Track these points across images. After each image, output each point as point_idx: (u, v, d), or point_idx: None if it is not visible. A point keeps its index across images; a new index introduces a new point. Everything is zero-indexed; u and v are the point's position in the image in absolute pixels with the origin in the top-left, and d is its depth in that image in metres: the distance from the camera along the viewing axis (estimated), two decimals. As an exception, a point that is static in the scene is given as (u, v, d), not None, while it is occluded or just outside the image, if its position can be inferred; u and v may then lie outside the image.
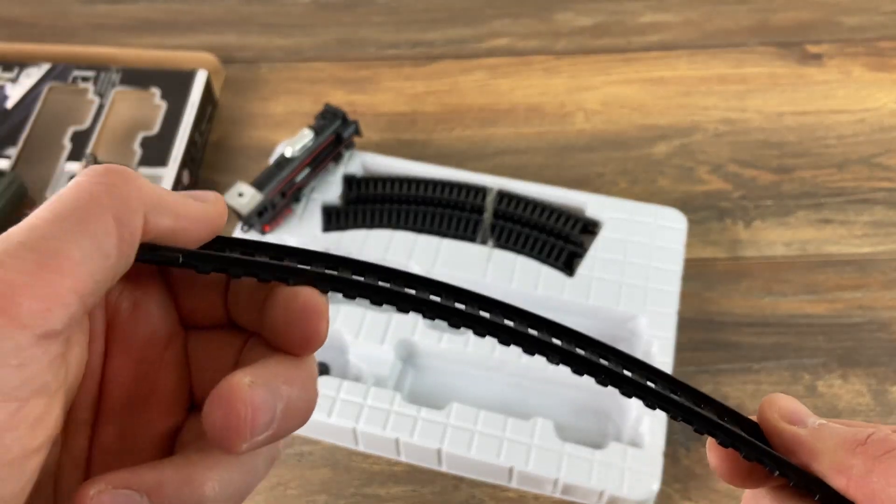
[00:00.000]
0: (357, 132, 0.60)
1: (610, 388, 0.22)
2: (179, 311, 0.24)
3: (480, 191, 0.57)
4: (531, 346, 0.22)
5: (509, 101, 0.67)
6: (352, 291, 0.22)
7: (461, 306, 0.22)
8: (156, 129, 0.62)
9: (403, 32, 0.72)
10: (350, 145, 0.59)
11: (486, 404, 0.48)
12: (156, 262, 0.21)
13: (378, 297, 0.22)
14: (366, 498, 0.48)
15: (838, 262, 0.57)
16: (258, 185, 0.54)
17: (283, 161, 0.56)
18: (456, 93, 0.67)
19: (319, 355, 0.48)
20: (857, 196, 0.60)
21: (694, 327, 0.54)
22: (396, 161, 0.59)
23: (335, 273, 0.22)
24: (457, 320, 0.22)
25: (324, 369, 0.51)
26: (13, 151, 0.60)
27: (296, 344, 0.21)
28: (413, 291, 0.22)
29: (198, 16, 0.74)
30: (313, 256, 0.22)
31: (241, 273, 0.22)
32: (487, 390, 0.51)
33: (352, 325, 0.51)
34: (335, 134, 0.58)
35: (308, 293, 0.21)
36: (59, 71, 0.65)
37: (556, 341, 0.23)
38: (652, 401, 0.22)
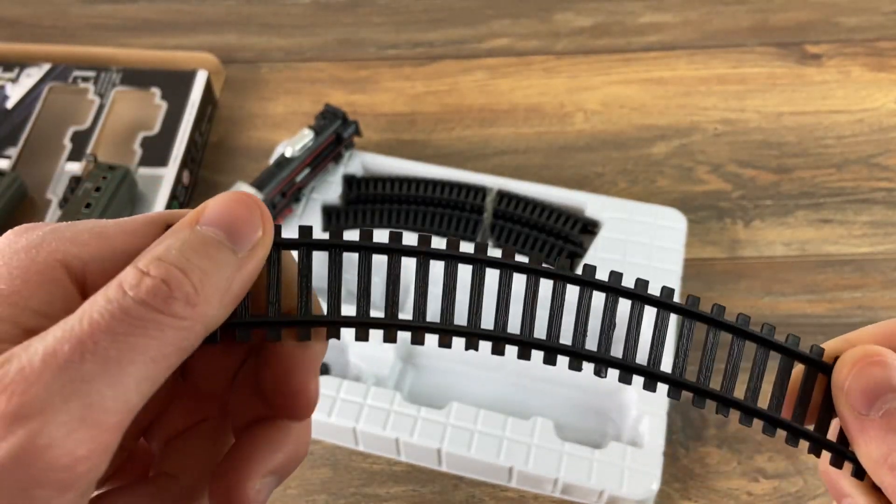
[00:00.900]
0: (357, 132, 0.60)
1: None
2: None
3: (480, 191, 0.57)
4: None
5: (509, 101, 0.67)
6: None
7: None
8: (156, 129, 0.62)
9: (403, 32, 0.72)
10: (350, 145, 0.60)
11: (485, 404, 0.48)
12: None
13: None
14: (366, 498, 0.48)
15: (837, 262, 0.57)
16: (258, 185, 0.54)
17: (283, 161, 0.56)
18: (456, 93, 0.67)
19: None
20: (856, 196, 0.60)
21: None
22: (396, 161, 0.59)
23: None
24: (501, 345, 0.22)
25: (324, 369, 0.51)
26: (13, 151, 0.60)
27: (293, 416, 0.22)
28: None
29: (198, 16, 0.74)
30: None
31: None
32: (487, 390, 0.51)
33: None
34: (335, 134, 0.58)
35: (302, 381, 0.22)
36: (60, 71, 0.65)
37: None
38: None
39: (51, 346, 0.16)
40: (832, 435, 0.23)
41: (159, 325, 0.17)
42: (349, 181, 0.58)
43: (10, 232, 0.19)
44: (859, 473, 0.22)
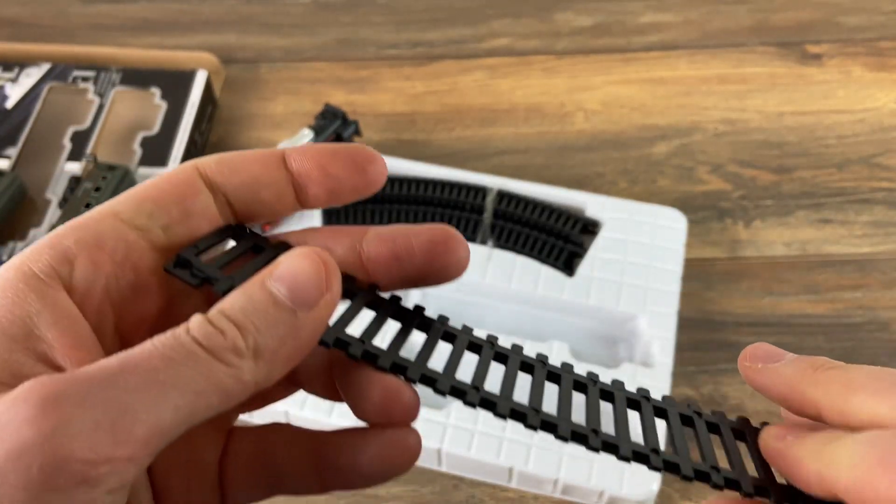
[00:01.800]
0: (357, 132, 0.60)
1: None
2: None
3: (480, 191, 0.57)
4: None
5: (509, 101, 0.67)
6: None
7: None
8: (156, 129, 0.62)
9: (403, 32, 0.72)
10: (350, 145, 0.59)
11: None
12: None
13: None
14: (366, 498, 0.48)
15: (838, 262, 0.57)
16: (258, 185, 0.54)
17: (282, 161, 0.56)
18: (456, 93, 0.67)
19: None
20: (856, 196, 0.60)
21: (694, 327, 0.54)
22: (396, 161, 0.59)
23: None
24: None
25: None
26: (13, 151, 0.60)
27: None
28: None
29: (198, 16, 0.74)
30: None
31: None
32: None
33: (352, 325, 0.51)
34: (335, 134, 0.58)
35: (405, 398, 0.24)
36: (59, 71, 0.65)
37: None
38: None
39: (103, 362, 0.18)
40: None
41: (209, 365, 0.18)
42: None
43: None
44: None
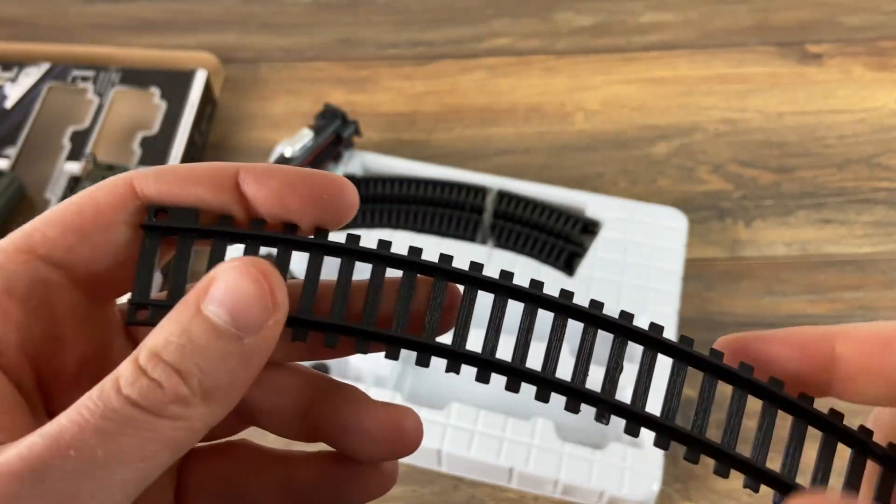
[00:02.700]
0: (357, 132, 0.60)
1: None
2: None
3: (480, 191, 0.57)
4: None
5: (509, 100, 0.67)
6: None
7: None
8: (155, 128, 0.62)
9: (403, 32, 0.72)
10: (350, 145, 0.59)
11: (486, 404, 0.48)
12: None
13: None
14: (365, 498, 0.48)
15: (839, 262, 0.57)
16: (258, 184, 0.54)
17: (282, 161, 0.56)
18: (456, 93, 0.67)
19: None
20: (857, 196, 0.60)
21: (694, 327, 0.54)
22: (396, 161, 0.59)
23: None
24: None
25: (323, 369, 0.51)
26: (12, 151, 0.60)
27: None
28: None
29: (197, 16, 0.74)
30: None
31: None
32: (487, 390, 0.51)
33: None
34: (335, 134, 0.58)
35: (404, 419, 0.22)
36: (59, 71, 0.65)
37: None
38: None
39: (27, 447, 0.15)
40: None
41: (152, 426, 0.16)
42: (349, 181, 0.58)
43: None
44: None
